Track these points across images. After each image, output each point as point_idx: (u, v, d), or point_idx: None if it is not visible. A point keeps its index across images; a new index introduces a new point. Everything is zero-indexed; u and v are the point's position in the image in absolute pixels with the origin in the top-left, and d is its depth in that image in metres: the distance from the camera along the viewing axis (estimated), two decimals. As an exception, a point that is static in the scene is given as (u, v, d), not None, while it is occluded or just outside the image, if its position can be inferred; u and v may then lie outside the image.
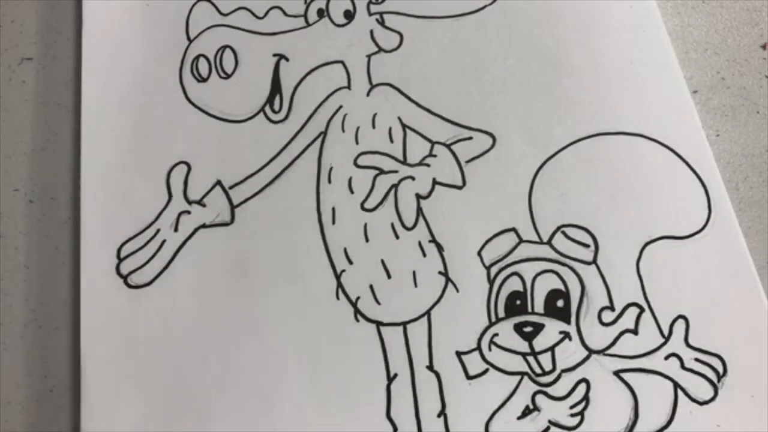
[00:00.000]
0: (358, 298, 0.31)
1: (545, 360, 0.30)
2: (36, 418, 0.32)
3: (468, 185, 0.32)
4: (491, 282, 0.31)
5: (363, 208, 0.33)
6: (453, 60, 0.35)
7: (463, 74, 0.34)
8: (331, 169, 0.33)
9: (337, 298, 0.31)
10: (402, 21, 0.36)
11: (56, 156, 0.35)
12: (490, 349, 0.30)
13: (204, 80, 0.35)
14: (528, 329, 0.30)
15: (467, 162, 0.33)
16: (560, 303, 0.30)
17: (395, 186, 0.33)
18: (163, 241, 0.33)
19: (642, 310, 0.30)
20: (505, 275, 0.31)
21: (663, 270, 0.31)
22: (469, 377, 0.30)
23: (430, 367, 0.30)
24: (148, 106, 0.35)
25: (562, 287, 0.31)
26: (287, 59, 0.35)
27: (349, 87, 0.34)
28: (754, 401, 0.29)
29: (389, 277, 0.32)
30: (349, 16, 0.35)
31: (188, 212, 0.33)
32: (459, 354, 0.30)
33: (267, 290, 0.32)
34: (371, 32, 0.35)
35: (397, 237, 0.32)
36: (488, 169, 0.33)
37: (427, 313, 0.31)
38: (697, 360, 0.30)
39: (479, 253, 0.31)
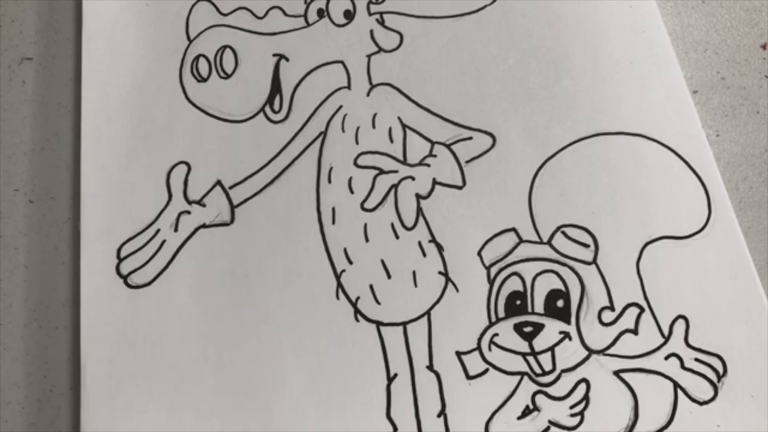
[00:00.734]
0: (358, 298, 0.31)
1: (545, 360, 0.30)
2: (36, 418, 0.32)
3: (468, 185, 0.32)
4: (491, 282, 0.31)
5: (363, 208, 0.33)
6: (453, 60, 0.35)
7: (463, 74, 0.34)
8: (331, 169, 0.33)
9: (337, 298, 0.31)
10: (402, 21, 0.36)
11: (56, 156, 0.35)
12: (490, 349, 0.30)
13: (204, 80, 0.35)
14: (528, 329, 0.30)
15: (467, 162, 0.33)
16: (560, 303, 0.30)
17: (395, 186, 0.33)
18: (163, 241, 0.33)
19: (642, 310, 0.30)
20: (505, 275, 0.31)
21: (663, 270, 0.31)
22: (469, 377, 0.30)
23: (430, 367, 0.30)
24: (148, 106, 0.35)
25: (562, 287, 0.31)
26: (287, 59, 0.35)
27: (349, 87, 0.34)
28: (754, 401, 0.29)
29: (389, 277, 0.32)
30: (349, 16, 0.35)
31: (188, 212, 0.33)
32: (459, 354, 0.30)
33: (267, 290, 0.32)
34: (371, 32, 0.35)
35: (397, 237, 0.32)
36: (488, 169, 0.33)
37: (427, 313, 0.31)
38: (697, 360, 0.30)
39: (479, 253, 0.31)
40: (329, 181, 0.33)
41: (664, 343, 0.30)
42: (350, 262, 0.32)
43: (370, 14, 0.35)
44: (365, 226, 0.32)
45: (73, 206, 0.34)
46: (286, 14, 0.36)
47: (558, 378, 0.30)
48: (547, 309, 0.30)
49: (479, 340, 0.30)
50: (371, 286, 0.31)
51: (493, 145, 0.33)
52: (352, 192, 0.33)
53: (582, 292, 0.31)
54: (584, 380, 0.30)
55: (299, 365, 0.31)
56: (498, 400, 0.30)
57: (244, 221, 0.33)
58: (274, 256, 0.32)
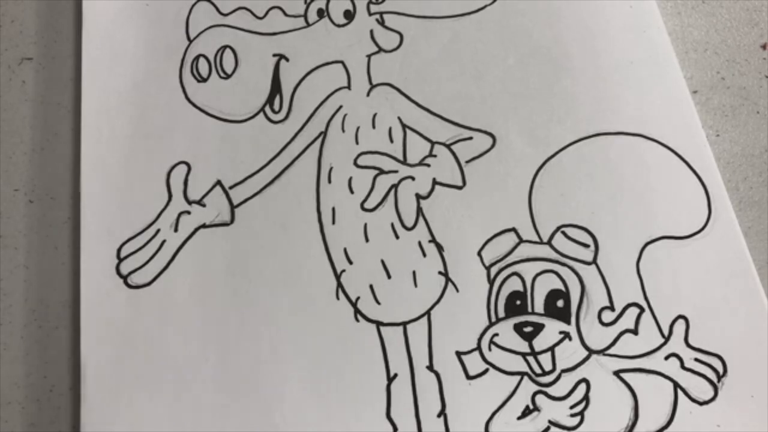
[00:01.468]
0: (358, 298, 0.31)
1: (545, 360, 0.30)
2: (36, 418, 0.32)
3: (468, 185, 0.32)
4: (491, 282, 0.31)
5: (363, 208, 0.33)
6: (453, 60, 0.35)
7: (463, 74, 0.34)
8: (331, 169, 0.33)
9: (337, 298, 0.31)
10: (402, 21, 0.36)
11: (56, 156, 0.35)
12: (490, 349, 0.30)
13: (204, 80, 0.35)
14: (528, 329, 0.30)
15: (467, 162, 0.33)
16: (560, 303, 0.30)
17: (395, 186, 0.33)
18: (163, 241, 0.33)
19: (642, 310, 0.30)
20: (505, 275, 0.31)
21: (663, 270, 0.31)
22: (469, 377, 0.30)
23: (430, 367, 0.30)
24: (148, 106, 0.35)
25: (562, 287, 0.31)
26: (287, 59, 0.35)
27: (349, 87, 0.34)
28: (754, 401, 0.29)
29: (389, 277, 0.32)
30: (349, 16, 0.35)
31: (188, 212, 0.33)
32: (459, 354, 0.30)
33: (267, 290, 0.32)
34: (371, 32, 0.35)
35: (397, 237, 0.32)
36: (488, 169, 0.33)
37: (427, 313, 0.31)
38: (697, 360, 0.30)
39: (479, 253, 0.31)
40: (329, 181, 0.33)
41: (664, 343, 0.30)
42: (350, 262, 0.32)
43: (370, 14, 0.35)
44: (365, 226, 0.32)
45: (73, 206, 0.34)
46: (286, 14, 0.36)
47: (558, 378, 0.30)
48: (547, 309, 0.30)
49: (479, 340, 0.30)
50: (371, 286, 0.31)
51: (493, 145, 0.33)
52: (352, 192, 0.33)
53: (582, 292, 0.31)
54: (584, 380, 0.30)
55: (299, 365, 0.31)
56: (498, 400, 0.30)
57: (244, 221, 0.33)
58: (274, 256, 0.32)
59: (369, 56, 0.35)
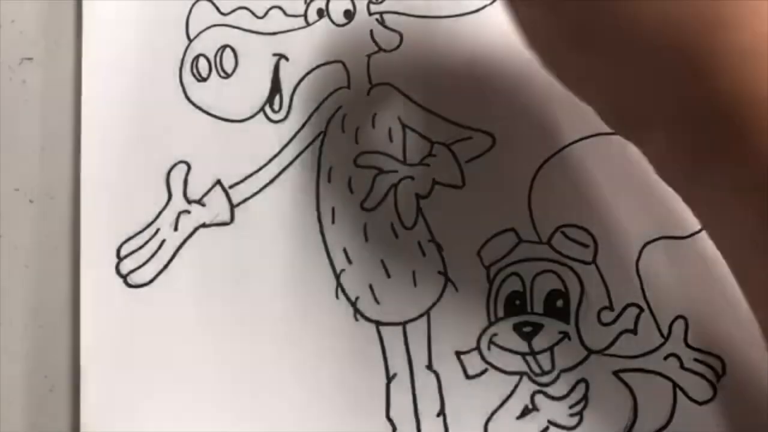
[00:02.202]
0: (357, 297, 0.31)
1: (544, 360, 0.30)
2: (36, 418, 0.32)
3: (467, 185, 0.32)
4: (490, 282, 0.31)
5: (363, 208, 0.33)
6: (453, 60, 0.35)
7: (463, 74, 0.34)
8: (330, 168, 0.33)
9: (337, 297, 0.32)
10: (402, 21, 0.36)
11: (56, 156, 0.35)
12: (489, 349, 0.30)
13: (204, 80, 0.35)
14: (527, 329, 0.30)
15: (467, 162, 0.33)
16: (559, 303, 0.30)
17: (395, 186, 0.33)
18: (163, 241, 0.33)
19: (641, 310, 0.30)
20: (505, 275, 0.31)
21: (662, 270, 0.31)
22: (468, 377, 0.30)
23: (429, 367, 0.30)
24: (148, 106, 0.35)
25: (562, 287, 0.31)
26: (287, 59, 0.35)
27: (348, 87, 0.34)
28: (753, 401, 0.29)
29: (389, 276, 0.32)
30: (349, 15, 0.35)
31: (188, 212, 0.33)
32: (458, 354, 0.30)
33: (266, 289, 0.32)
34: (371, 32, 0.35)
35: (396, 237, 0.32)
36: (488, 169, 0.33)
37: (427, 312, 0.31)
38: (696, 360, 0.30)
39: (479, 253, 0.31)
40: (329, 180, 0.33)
41: (664, 343, 0.30)
42: (350, 262, 0.32)
43: (370, 14, 0.35)
44: (365, 225, 0.32)
45: (74, 205, 0.34)
46: (286, 14, 0.35)
47: (557, 378, 0.30)
48: (547, 309, 0.30)
49: (478, 339, 0.31)
50: (371, 286, 0.32)
51: (492, 145, 0.33)
52: (351, 192, 0.33)
53: (581, 292, 0.31)
54: (583, 380, 0.30)
55: (298, 365, 0.31)
56: (497, 400, 0.30)
57: (243, 221, 0.33)
58: (273, 255, 0.32)
59: (369, 56, 0.35)
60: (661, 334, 0.30)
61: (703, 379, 0.29)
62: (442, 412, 0.30)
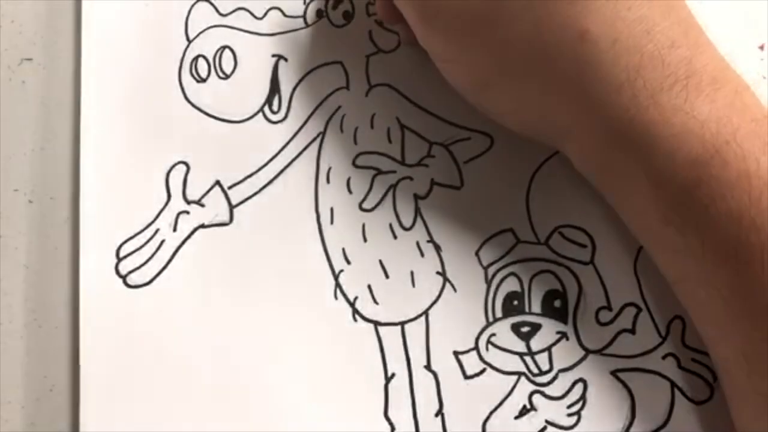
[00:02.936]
0: (356, 297, 0.32)
1: (542, 360, 0.30)
2: (36, 418, 0.32)
3: (466, 186, 0.32)
4: (489, 282, 0.31)
5: (361, 209, 0.33)
6: (451, 60, 0.35)
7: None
8: (329, 169, 0.33)
9: (335, 297, 0.32)
10: (401, 21, 0.36)
11: (56, 156, 0.35)
12: (487, 349, 0.30)
13: (203, 80, 0.35)
14: (525, 329, 0.30)
15: (465, 162, 0.33)
16: (557, 303, 0.31)
17: (393, 186, 0.33)
18: (162, 241, 0.33)
19: (639, 309, 0.30)
20: (503, 275, 0.31)
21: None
22: (466, 377, 0.30)
23: (428, 367, 0.31)
24: (148, 106, 0.35)
25: (560, 287, 0.31)
26: (286, 60, 0.35)
27: (347, 87, 0.34)
28: (751, 401, 0.29)
29: (387, 277, 0.32)
30: (348, 17, 0.35)
31: (187, 212, 0.33)
32: (456, 354, 0.31)
33: (265, 290, 0.32)
34: (370, 33, 0.35)
35: (395, 237, 0.32)
36: (486, 169, 0.33)
37: (425, 312, 0.31)
38: (694, 360, 0.30)
39: (477, 254, 0.32)
40: (328, 181, 0.33)
41: (662, 343, 0.30)
42: (348, 262, 0.32)
43: (369, 15, 0.35)
44: (363, 226, 0.32)
45: (73, 206, 0.34)
46: (285, 15, 0.36)
47: (555, 378, 0.30)
48: (545, 309, 0.31)
49: (477, 339, 0.31)
50: (369, 286, 0.32)
51: (490, 146, 0.33)
52: (350, 192, 0.33)
53: (579, 292, 0.31)
54: (581, 380, 0.30)
55: (297, 365, 0.31)
56: (495, 400, 0.30)
57: (242, 221, 0.33)
58: (272, 256, 0.32)
59: (368, 57, 0.35)
60: (659, 334, 0.30)
61: (701, 378, 0.29)
62: (440, 412, 0.30)
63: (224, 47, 0.35)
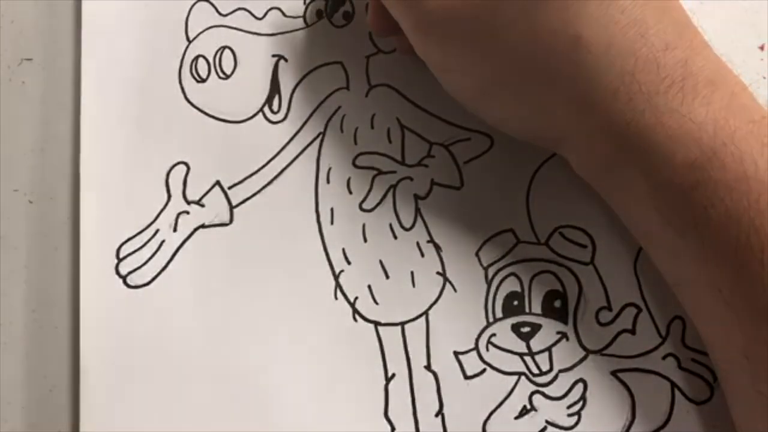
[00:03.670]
0: (356, 298, 0.32)
1: (542, 360, 0.30)
2: (36, 418, 0.32)
3: (466, 186, 0.32)
4: (489, 282, 0.31)
5: (361, 209, 0.33)
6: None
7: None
8: (329, 169, 0.33)
9: (336, 298, 0.32)
10: (401, 21, 0.36)
11: (56, 156, 0.35)
12: (487, 349, 0.30)
13: (203, 81, 0.35)
14: (525, 329, 0.30)
15: (465, 163, 0.33)
16: (557, 303, 0.31)
17: (393, 186, 0.33)
18: (162, 241, 0.33)
19: (639, 310, 0.30)
20: (503, 276, 0.31)
21: (660, 271, 0.31)
22: (466, 377, 0.30)
23: (428, 367, 0.31)
24: (148, 107, 0.35)
25: (560, 288, 0.31)
26: (286, 60, 0.35)
27: (347, 88, 0.34)
28: (751, 401, 0.29)
29: (387, 277, 0.32)
30: (348, 17, 0.35)
31: (187, 212, 0.33)
32: (456, 354, 0.31)
33: (265, 290, 0.32)
34: (370, 33, 0.35)
35: (395, 237, 0.32)
36: (486, 170, 0.33)
37: (425, 313, 0.31)
38: (694, 360, 0.30)
39: (477, 254, 0.32)
40: (328, 181, 0.33)
41: (662, 343, 0.30)
42: (348, 263, 0.32)
43: (369, 15, 0.35)
44: (363, 226, 0.32)
45: (73, 206, 0.34)
46: (285, 15, 0.36)
47: (555, 378, 0.30)
48: (545, 309, 0.31)
49: (477, 340, 0.31)
50: (369, 287, 0.32)
51: (490, 146, 0.33)
52: (350, 192, 0.33)
53: (579, 292, 0.31)
54: (581, 380, 0.30)
55: (297, 365, 0.31)
56: (495, 400, 0.30)
57: (242, 221, 0.33)
58: (272, 256, 0.32)
59: (368, 57, 0.35)
60: (659, 334, 0.30)
61: (701, 379, 0.29)
62: (440, 412, 0.30)
63: (224, 47, 0.35)
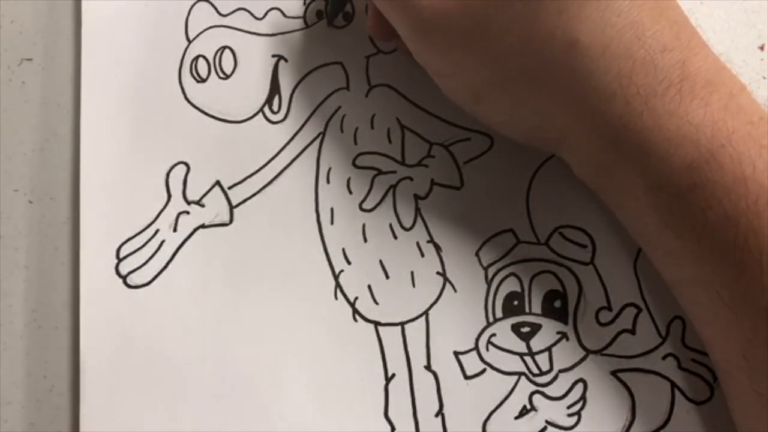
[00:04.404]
0: (356, 298, 0.32)
1: (542, 360, 0.30)
2: (36, 418, 0.32)
3: (466, 186, 0.32)
4: (489, 282, 0.31)
5: (361, 209, 0.33)
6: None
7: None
8: (329, 169, 0.33)
9: (336, 298, 0.32)
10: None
11: (56, 156, 0.35)
12: (487, 349, 0.30)
13: (203, 81, 0.35)
14: (525, 329, 0.30)
15: (465, 163, 0.33)
16: (557, 303, 0.31)
17: (393, 187, 0.33)
18: (162, 241, 0.33)
19: (639, 310, 0.31)
20: (503, 276, 0.31)
21: (660, 270, 0.31)
22: (466, 377, 0.30)
23: (428, 367, 0.31)
24: (148, 107, 0.35)
25: (560, 288, 0.31)
26: (286, 60, 0.35)
27: (347, 88, 0.34)
28: (750, 401, 0.29)
29: (387, 277, 0.32)
30: (348, 17, 0.35)
31: (187, 212, 0.33)
32: (457, 354, 0.31)
33: (265, 290, 0.32)
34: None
35: (395, 237, 0.32)
36: (486, 170, 0.33)
37: (425, 313, 0.31)
38: (694, 360, 0.30)
39: (477, 254, 0.32)
40: (328, 181, 0.33)
41: (662, 343, 0.30)
42: (348, 263, 0.32)
43: (370, 15, 0.35)
44: (363, 226, 0.32)
45: (73, 206, 0.34)
46: (285, 15, 0.36)
47: (555, 378, 0.30)
48: (545, 309, 0.31)
49: (477, 340, 0.31)
50: (369, 287, 0.32)
51: (490, 146, 0.33)
52: (350, 192, 0.33)
53: (579, 292, 0.31)
54: (581, 380, 0.30)
55: (297, 365, 0.31)
56: (495, 400, 0.30)
57: (242, 221, 0.33)
58: (272, 256, 0.32)
59: (368, 57, 0.35)
60: (659, 334, 0.30)
61: (701, 379, 0.29)
62: (440, 412, 0.30)
63: (224, 47, 0.35)
